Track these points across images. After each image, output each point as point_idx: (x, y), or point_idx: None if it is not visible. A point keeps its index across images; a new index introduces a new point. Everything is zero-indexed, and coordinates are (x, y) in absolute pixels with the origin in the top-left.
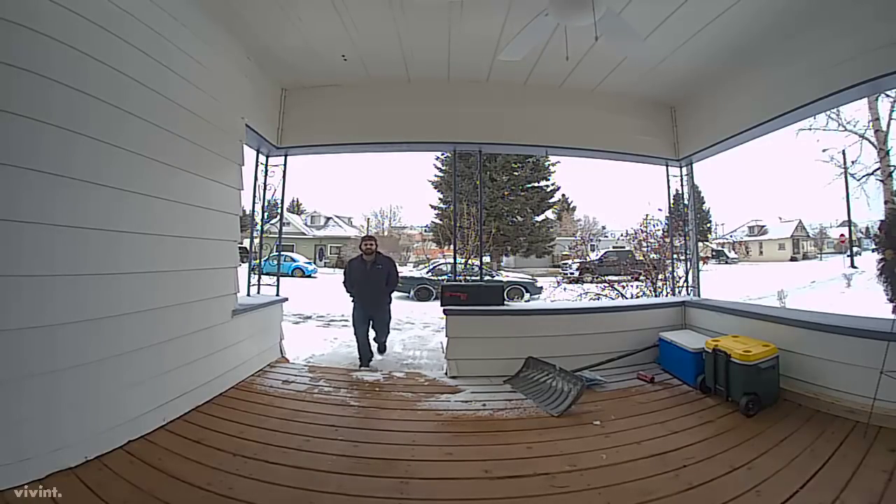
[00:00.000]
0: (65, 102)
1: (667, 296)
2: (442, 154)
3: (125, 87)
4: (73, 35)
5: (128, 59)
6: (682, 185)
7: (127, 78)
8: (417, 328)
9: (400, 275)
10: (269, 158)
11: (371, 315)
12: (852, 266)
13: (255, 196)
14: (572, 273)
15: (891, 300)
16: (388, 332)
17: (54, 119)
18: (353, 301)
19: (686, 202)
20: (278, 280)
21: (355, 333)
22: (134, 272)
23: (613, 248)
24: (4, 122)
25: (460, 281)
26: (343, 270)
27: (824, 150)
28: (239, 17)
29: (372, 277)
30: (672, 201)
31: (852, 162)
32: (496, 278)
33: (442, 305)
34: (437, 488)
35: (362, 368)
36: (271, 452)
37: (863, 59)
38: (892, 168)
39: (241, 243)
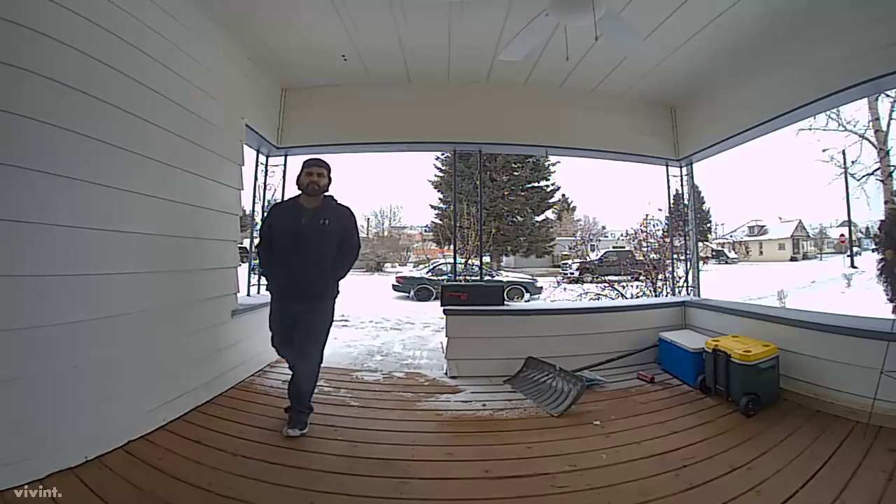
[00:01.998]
0: (66, 103)
1: (667, 296)
2: (442, 154)
3: (126, 87)
4: (74, 36)
5: (128, 60)
6: (682, 185)
7: (127, 78)
8: (417, 328)
9: (362, 249)
10: (269, 158)
11: (296, 317)
12: (852, 266)
13: (255, 196)
14: (572, 273)
15: (891, 300)
16: (316, 375)
17: (57, 120)
18: (268, 289)
19: (686, 202)
20: None
21: (278, 353)
22: (134, 272)
23: (613, 248)
24: (13, 124)
25: (460, 281)
26: (261, 223)
27: (824, 150)
28: (239, 17)
29: (312, 240)
30: (672, 201)
31: (852, 162)
32: (496, 278)
33: (442, 305)
34: (436, 488)
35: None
36: (271, 452)
37: (863, 59)
38: (892, 168)
39: (241, 243)
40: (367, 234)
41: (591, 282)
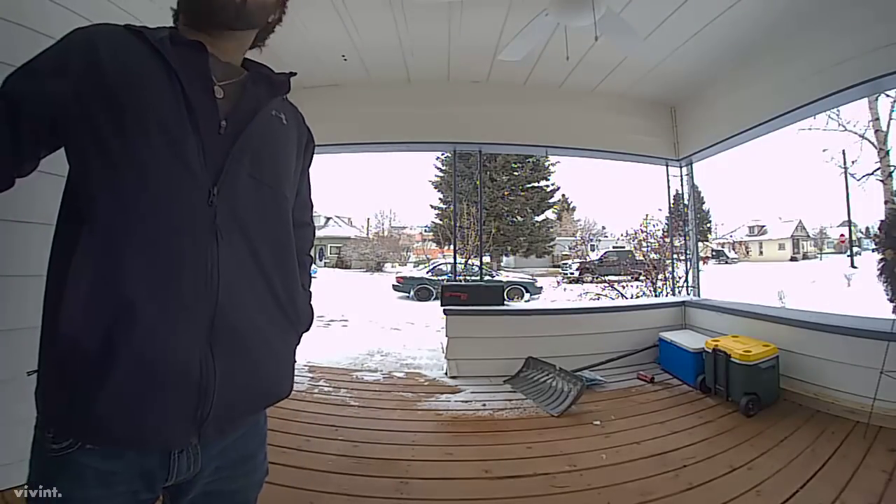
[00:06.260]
0: None
1: (667, 296)
2: (442, 154)
3: None
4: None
5: None
6: (682, 185)
7: None
8: (417, 328)
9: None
10: None
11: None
12: (852, 266)
13: None
14: (572, 273)
15: (891, 300)
16: None
17: None
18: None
19: (686, 202)
20: None
21: None
22: None
23: (613, 248)
24: None
25: (460, 281)
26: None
27: (824, 150)
28: None
29: (263, 162)
30: (672, 201)
31: (852, 162)
32: (496, 278)
33: (442, 305)
34: (436, 488)
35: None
36: (271, 452)
37: (863, 59)
38: (892, 168)
39: None
40: (367, 234)
41: (591, 282)
